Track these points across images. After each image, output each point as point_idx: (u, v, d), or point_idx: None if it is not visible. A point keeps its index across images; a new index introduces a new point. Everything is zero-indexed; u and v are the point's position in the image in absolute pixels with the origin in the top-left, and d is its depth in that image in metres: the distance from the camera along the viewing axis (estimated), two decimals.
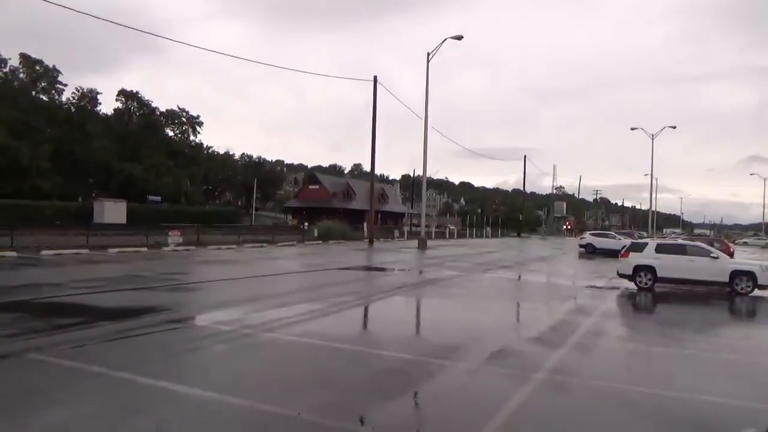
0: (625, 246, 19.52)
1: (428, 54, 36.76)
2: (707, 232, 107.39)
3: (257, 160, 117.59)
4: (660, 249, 17.39)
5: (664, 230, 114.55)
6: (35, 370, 6.32)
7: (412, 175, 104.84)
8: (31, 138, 53.86)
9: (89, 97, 65.67)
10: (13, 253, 19.48)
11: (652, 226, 69.10)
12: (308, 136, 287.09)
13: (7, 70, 55.57)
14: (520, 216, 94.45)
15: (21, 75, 56.67)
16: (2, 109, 51.88)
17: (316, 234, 39.79)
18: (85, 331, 8.28)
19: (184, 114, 72.51)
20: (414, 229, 62.67)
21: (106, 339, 7.86)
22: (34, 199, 49.56)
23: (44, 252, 20.52)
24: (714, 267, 16.39)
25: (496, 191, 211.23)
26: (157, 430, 4.76)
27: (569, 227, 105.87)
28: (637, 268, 17.17)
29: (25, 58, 56.45)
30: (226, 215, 66.45)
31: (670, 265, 16.77)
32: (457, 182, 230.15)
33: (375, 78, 38.91)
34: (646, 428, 5.40)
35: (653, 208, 71.15)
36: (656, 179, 64.81)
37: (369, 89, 38.80)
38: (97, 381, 6.00)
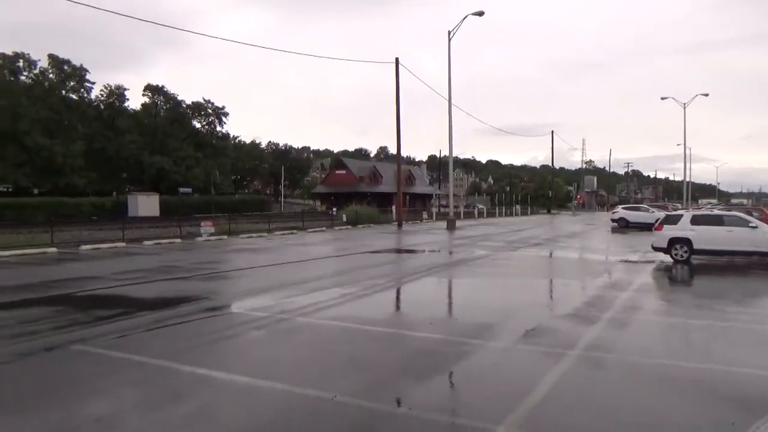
0: (659, 219, 19.08)
1: (449, 32, 36.27)
2: (745, 201, 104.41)
3: (283, 147, 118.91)
4: (696, 220, 16.97)
5: (700, 201, 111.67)
6: (80, 361, 6.55)
7: (438, 156, 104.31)
8: (64, 136, 55.29)
9: (117, 94, 66.97)
10: (54, 249, 20.10)
11: (687, 198, 67.46)
12: (333, 121, 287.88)
13: (37, 71, 56.85)
14: (550, 192, 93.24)
15: (50, 75, 57.92)
16: (35, 110, 53.26)
17: (344, 219, 39.94)
18: (126, 322, 8.53)
19: (210, 105, 73.37)
20: (442, 209, 62.45)
21: (147, 328, 8.08)
22: (71, 195, 51.02)
23: (83, 247, 21.12)
24: (753, 237, 15.94)
25: (524, 168, 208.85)
26: (198, 416, 4.89)
27: (581, 201, 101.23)
28: (673, 241, 16.82)
29: (53, 58, 57.65)
30: (255, 203, 67.29)
31: (706, 237, 16.38)
32: (484, 161, 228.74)
33: (397, 60, 38.56)
34: (687, 403, 5.33)
35: (687, 179, 69.39)
36: (690, 149, 62.99)
37: (392, 72, 38.52)
38: (139, 369, 6.18)
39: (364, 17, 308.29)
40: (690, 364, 6.47)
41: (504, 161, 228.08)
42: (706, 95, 55.57)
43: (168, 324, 8.44)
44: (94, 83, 61.90)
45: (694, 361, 6.59)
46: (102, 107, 66.14)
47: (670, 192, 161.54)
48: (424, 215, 51.63)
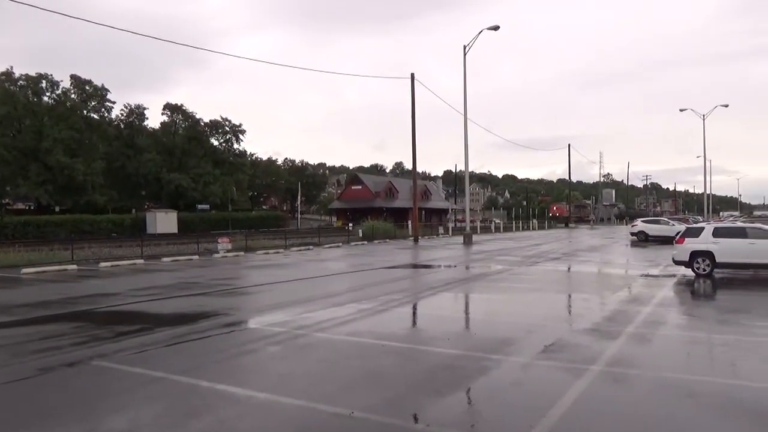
0: (679, 232, 18.81)
1: (464, 47, 36.43)
2: None
3: (300, 164, 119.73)
4: (718, 233, 16.68)
5: (721, 213, 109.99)
6: (100, 376, 6.59)
7: (454, 171, 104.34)
8: (85, 155, 56.28)
9: (137, 113, 68.16)
10: (74, 266, 20.36)
11: (708, 210, 66.56)
12: (349, 137, 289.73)
13: (59, 91, 58.09)
14: (567, 206, 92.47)
15: (72, 95, 59.15)
16: (58, 129, 54.39)
17: (360, 234, 40.01)
18: (145, 337, 8.58)
19: (227, 123, 74.21)
20: (458, 224, 62.26)
21: (165, 344, 8.12)
22: (91, 213, 51.77)
23: (102, 264, 21.38)
24: None
25: (541, 182, 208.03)
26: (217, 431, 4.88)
27: (557, 214, 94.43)
28: (694, 254, 16.54)
29: (75, 79, 58.90)
30: (272, 220, 67.68)
31: (729, 250, 16.08)
32: (500, 175, 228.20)
33: (412, 75, 38.80)
34: (714, 420, 5.19)
35: (708, 191, 68.51)
36: (710, 161, 62.22)
37: (407, 87, 38.73)
38: (159, 385, 6.20)
39: (381, 35, 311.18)
40: (716, 379, 6.32)
41: (521, 175, 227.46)
42: (726, 106, 54.95)
43: (187, 339, 8.48)
44: (114, 103, 63.08)
45: (721, 377, 6.44)
46: (122, 126, 67.33)
47: (690, 205, 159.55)
48: (441, 230, 51.52)
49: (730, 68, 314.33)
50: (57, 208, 55.46)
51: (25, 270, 18.87)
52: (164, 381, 6.31)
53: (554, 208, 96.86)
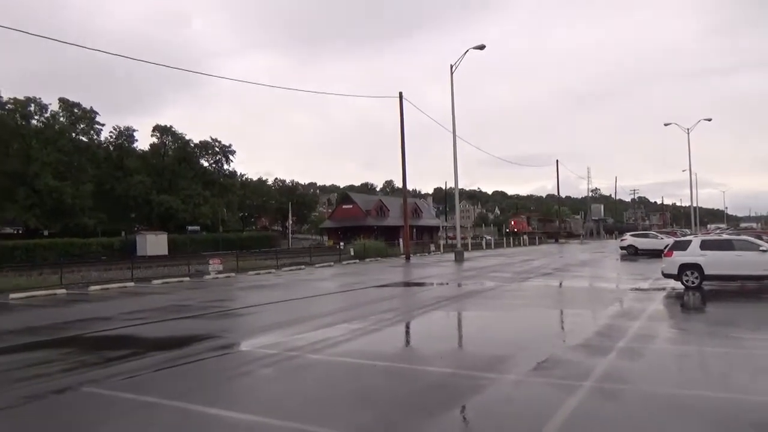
0: (668, 245, 18.99)
1: (451, 66, 36.85)
2: (754, 225, 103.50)
3: (290, 184, 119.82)
4: (705, 245, 16.86)
5: (708, 226, 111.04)
6: (91, 403, 6.52)
7: (444, 188, 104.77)
8: (73, 178, 56.02)
9: (126, 135, 68.05)
10: (63, 290, 20.15)
11: (695, 223, 67.17)
12: (339, 157, 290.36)
13: (48, 115, 57.98)
14: (557, 221, 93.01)
15: (61, 118, 59.05)
16: (46, 153, 54.18)
17: (352, 253, 39.94)
18: (136, 362, 8.51)
19: (217, 144, 74.29)
20: (449, 241, 62.38)
21: (157, 368, 8.05)
22: (81, 236, 51.36)
23: (92, 287, 21.18)
24: (764, 261, 15.79)
25: (531, 198, 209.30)
26: None
27: (516, 229, 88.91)
28: (683, 267, 16.69)
29: (64, 102, 58.89)
30: (263, 240, 67.46)
31: (717, 262, 16.25)
32: (490, 192, 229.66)
33: (400, 94, 39.12)
34: None
35: (694, 204, 69.21)
36: (696, 174, 63.32)
37: (396, 106, 39.02)
38: (152, 410, 6.15)
39: (370, 55, 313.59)
40: (707, 393, 6.37)
41: (510, 192, 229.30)
42: (709, 120, 55.91)
43: (178, 363, 8.41)
44: (103, 125, 63.03)
45: (712, 390, 6.48)
46: (111, 148, 67.19)
47: (677, 218, 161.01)
48: (432, 247, 51.56)
49: (714, 83, 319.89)
50: (46, 232, 54.99)
51: (13, 295, 18.65)
52: (156, 406, 6.26)
53: (512, 222, 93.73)
